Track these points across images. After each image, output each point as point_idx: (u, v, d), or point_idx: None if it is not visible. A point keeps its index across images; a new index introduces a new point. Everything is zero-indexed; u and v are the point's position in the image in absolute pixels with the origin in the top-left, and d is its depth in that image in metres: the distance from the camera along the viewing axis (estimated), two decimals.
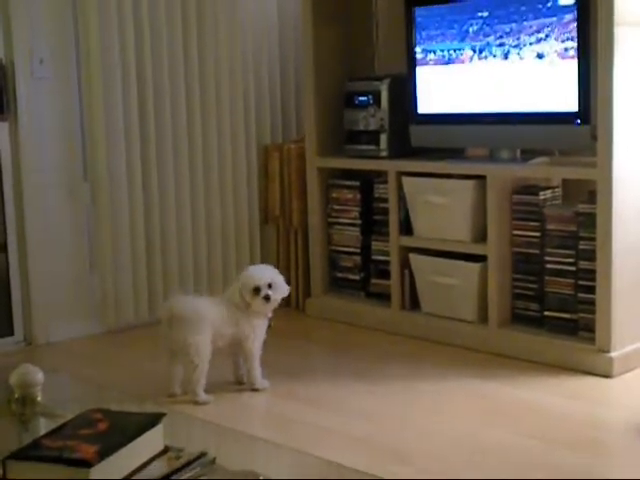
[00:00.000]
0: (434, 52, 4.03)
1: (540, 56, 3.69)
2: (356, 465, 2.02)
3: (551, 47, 3.64)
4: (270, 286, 3.37)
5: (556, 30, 3.62)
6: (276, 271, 3.47)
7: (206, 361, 3.31)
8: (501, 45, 3.80)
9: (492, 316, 3.85)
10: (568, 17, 3.58)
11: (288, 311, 4.47)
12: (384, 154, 4.23)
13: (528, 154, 3.88)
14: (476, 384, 3.48)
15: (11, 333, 4.15)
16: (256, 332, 3.41)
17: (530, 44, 3.70)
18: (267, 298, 3.35)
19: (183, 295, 3.46)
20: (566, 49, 3.60)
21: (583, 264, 3.60)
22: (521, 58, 3.75)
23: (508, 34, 3.77)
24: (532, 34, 3.70)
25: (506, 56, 3.80)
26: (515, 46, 3.75)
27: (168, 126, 4.38)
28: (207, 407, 3.28)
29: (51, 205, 4.18)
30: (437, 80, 4.06)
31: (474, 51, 3.90)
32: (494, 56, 3.83)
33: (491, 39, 3.83)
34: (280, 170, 4.64)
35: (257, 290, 3.36)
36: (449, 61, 3.99)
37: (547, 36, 3.66)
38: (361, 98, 4.29)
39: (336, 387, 3.51)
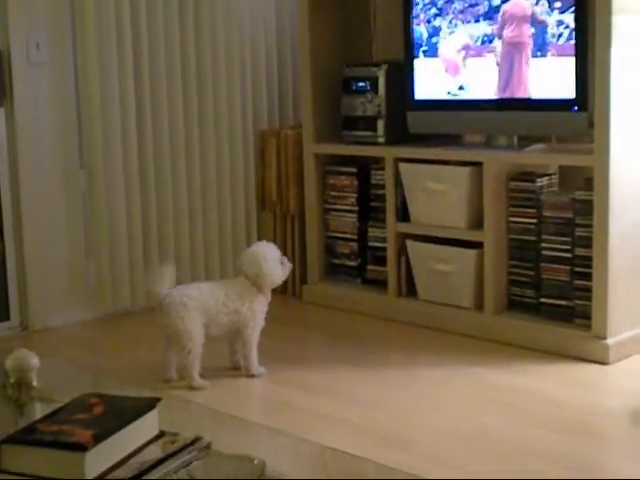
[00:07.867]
0: (432, 38, 4.02)
1: (538, 42, 3.68)
2: (352, 451, 2.02)
3: (549, 33, 3.64)
4: None
5: (554, 16, 3.62)
6: None
7: (199, 345, 3.31)
8: (500, 31, 3.80)
9: (488, 303, 3.85)
10: (566, 3, 3.58)
11: (284, 297, 4.47)
12: (381, 140, 4.23)
13: (525, 141, 3.88)
14: (472, 370, 3.48)
15: (7, 318, 4.15)
16: (257, 320, 3.41)
17: (529, 30, 3.70)
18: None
19: (156, 273, 3.44)
20: (564, 36, 3.59)
21: (579, 251, 3.60)
22: (519, 44, 3.74)
23: (506, 20, 3.76)
24: (530, 20, 3.69)
25: (504, 43, 3.79)
26: (512, 32, 3.74)
27: (164, 112, 4.36)
28: (203, 392, 3.28)
29: (47, 191, 4.17)
30: (435, 66, 4.05)
31: (472, 38, 3.89)
32: (492, 42, 3.83)
33: (490, 25, 3.82)
34: (277, 156, 4.63)
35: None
36: (447, 47, 3.98)
37: (545, 22, 3.65)
38: (359, 84, 4.27)
39: (332, 373, 3.51)
